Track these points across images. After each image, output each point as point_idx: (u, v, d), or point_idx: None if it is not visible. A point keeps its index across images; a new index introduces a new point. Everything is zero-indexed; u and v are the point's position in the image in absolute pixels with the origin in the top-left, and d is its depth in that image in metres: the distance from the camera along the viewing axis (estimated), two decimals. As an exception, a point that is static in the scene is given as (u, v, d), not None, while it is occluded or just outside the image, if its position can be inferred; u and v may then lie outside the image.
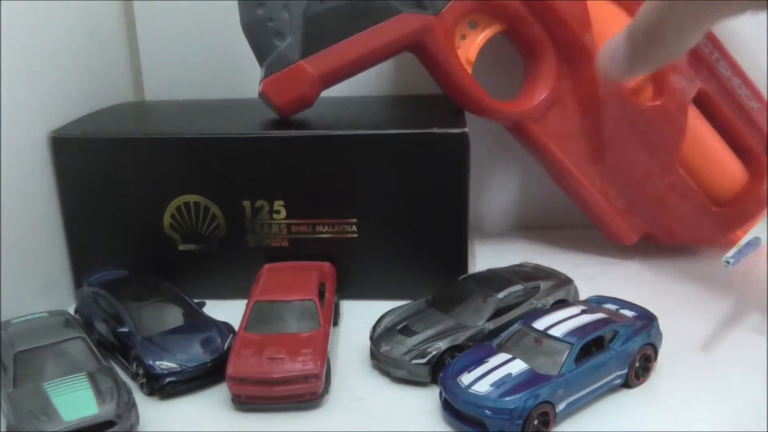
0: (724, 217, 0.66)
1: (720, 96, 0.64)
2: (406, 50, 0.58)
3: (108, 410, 0.43)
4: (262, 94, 0.57)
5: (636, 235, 0.67)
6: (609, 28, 0.57)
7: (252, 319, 0.51)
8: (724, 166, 0.66)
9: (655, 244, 0.68)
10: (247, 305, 0.52)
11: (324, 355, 0.48)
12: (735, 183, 0.66)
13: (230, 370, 0.47)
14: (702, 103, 0.64)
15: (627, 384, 0.48)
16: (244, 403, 0.47)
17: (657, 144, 0.63)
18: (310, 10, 0.55)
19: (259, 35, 0.56)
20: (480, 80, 0.60)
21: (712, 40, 0.62)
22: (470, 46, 0.60)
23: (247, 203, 0.59)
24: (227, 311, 0.55)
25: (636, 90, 0.62)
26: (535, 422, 0.44)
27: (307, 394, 0.47)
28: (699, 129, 0.64)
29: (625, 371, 0.48)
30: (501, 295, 0.53)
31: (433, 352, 0.49)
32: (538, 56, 0.62)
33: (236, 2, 0.57)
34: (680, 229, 0.66)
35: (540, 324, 0.48)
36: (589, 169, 0.64)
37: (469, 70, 0.60)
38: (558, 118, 0.62)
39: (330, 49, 0.55)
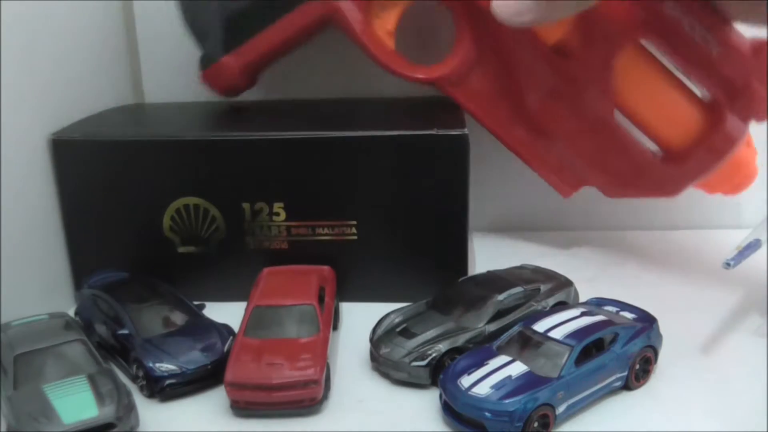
0: (672, 171, 0.61)
1: (666, 39, 0.57)
2: (321, 31, 0.62)
3: (108, 412, 0.43)
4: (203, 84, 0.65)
5: (572, 189, 0.66)
6: None
7: (251, 324, 0.51)
8: (677, 114, 0.60)
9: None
10: (246, 310, 0.52)
11: (323, 361, 0.48)
12: (689, 132, 0.60)
13: (229, 375, 0.47)
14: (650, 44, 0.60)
15: (627, 386, 0.48)
16: (243, 408, 0.47)
17: (583, 97, 0.60)
18: (225, 11, 0.62)
19: (191, 34, 0.63)
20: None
21: None
22: (388, 18, 0.63)
23: (246, 205, 0.59)
24: (227, 313, 0.55)
25: (556, 43, 0.60)
26: (535, 425, 0.44)
27: (306, 399, 0.47)
28: (645, 73, 0.60)
29: (625, 373, 0.48)
30: (501, 297, 0.53)
31: (433, 354, 0.49)
32: (454, 20, 0.62)
33: None
34: (622, 183, 0.63)
35: (540, 326, 0.48)
36: (515, 129, 0.63)
37: (391, 39, 0.62)
38: (479, 80, 0.62)
39: (248, 43, 0.62)
